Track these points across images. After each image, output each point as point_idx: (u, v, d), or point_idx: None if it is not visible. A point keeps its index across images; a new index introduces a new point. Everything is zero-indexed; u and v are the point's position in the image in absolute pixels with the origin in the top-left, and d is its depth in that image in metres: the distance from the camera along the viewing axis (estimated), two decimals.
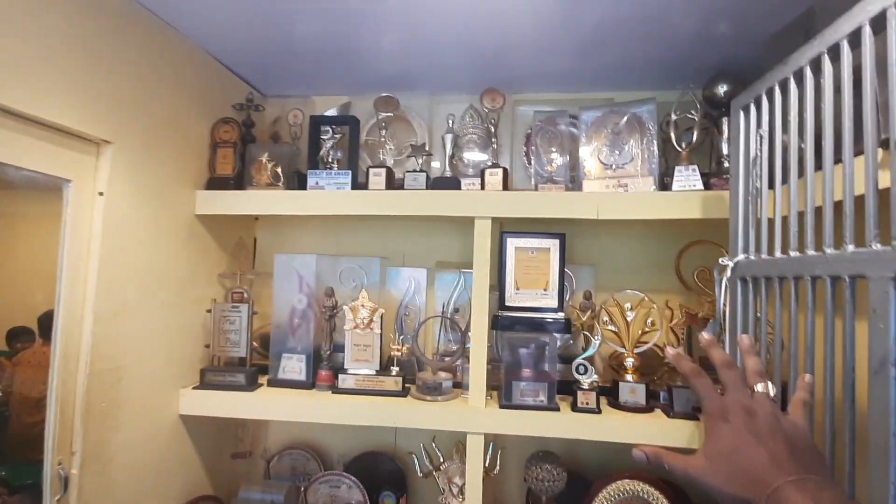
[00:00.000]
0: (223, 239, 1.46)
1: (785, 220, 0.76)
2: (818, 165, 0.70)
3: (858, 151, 0.61)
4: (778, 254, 0.77)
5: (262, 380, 1.35)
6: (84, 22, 0.98)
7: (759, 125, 0.85)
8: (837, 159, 0.65)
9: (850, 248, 0.60)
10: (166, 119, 1.22)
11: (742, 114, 0.91)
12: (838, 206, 0.64)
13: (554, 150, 1.39)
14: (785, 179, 0.77)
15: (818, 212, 0.68)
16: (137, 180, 1.14)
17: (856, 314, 0.59)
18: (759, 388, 0.55)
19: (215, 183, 1.35)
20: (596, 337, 1.25)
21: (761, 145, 0.83)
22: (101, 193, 1.06)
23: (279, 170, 1.35)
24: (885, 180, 0.57)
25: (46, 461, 1.01)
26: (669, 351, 0.64)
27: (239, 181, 1.36)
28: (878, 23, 0.59)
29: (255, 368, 1.33)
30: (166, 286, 1.24)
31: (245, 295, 1.34)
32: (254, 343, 1.38)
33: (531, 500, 1.32)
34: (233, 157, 1.35)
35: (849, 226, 0.61)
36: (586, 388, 1.19)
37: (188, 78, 1.29)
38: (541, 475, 1.24)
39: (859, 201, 0.59)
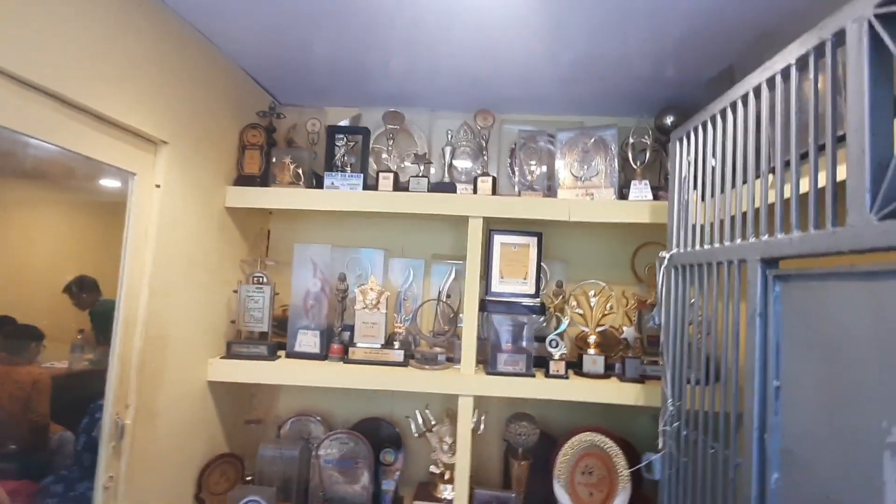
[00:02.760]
0: (245, 230, 1.65)
1: (703, 224, 1.05)
2: (727, 185, 0.98)
3: (758, 174, 0.89)
4: (697, 247, 1.05)
5: (280, 353, 1.55)
6: (147, 39, 1.18)
7: (688, 153, 1.14)
8: (746, 179, 0.94)
9: (738, 241, 0.89)
10: (207, 123, 1.42)
11: (678, 143, 1.20)
12: (740, 214, 0.92)
13: (534, 162, 1.66)
14: (703, 195, 1.06)
15: (724, 217, 0.97)
16: (185, 176, 1.33)
17: (742, 286, 0.88)
18: None
19: (243, 180, 1.54)
20: (565, 318, 1.52)
21: (689, 168, 1.12)
22: (158, 186, 1.25)
23: (300, 171, 1.56)
24: (770, 196, 0.84)
25: (106, 411, 1.19)
26: None
27: (264, 179, 1.56)
28: (770, 82, 0.87)
29: (274, 343, 1.53)
30: (202, 269, 1.43)
31: (266, 278, 1.54)
32: None
33: (509, 454, 1.57)
34: (259, 158, 1.56)
35: (738, 227, 0.90)
36: (557, 358, 1.45)
37: (223, 87, 1.49)
38: (518, 431, 1.49)
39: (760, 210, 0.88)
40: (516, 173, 1.68)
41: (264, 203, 1.52)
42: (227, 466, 1.53)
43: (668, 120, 1.55)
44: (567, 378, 1.44)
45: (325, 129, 1.66)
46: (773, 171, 0.86)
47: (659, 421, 1.17)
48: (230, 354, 1.49)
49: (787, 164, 0.80)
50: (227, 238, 1.55)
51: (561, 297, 1.57)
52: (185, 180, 1.33)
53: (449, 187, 1.57)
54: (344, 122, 1.73)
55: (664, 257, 1.17)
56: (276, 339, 1.57)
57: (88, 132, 1.05)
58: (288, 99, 1.80)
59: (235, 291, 1.53)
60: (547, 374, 1.45)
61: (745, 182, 0.90)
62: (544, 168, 1.66)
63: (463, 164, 1.71)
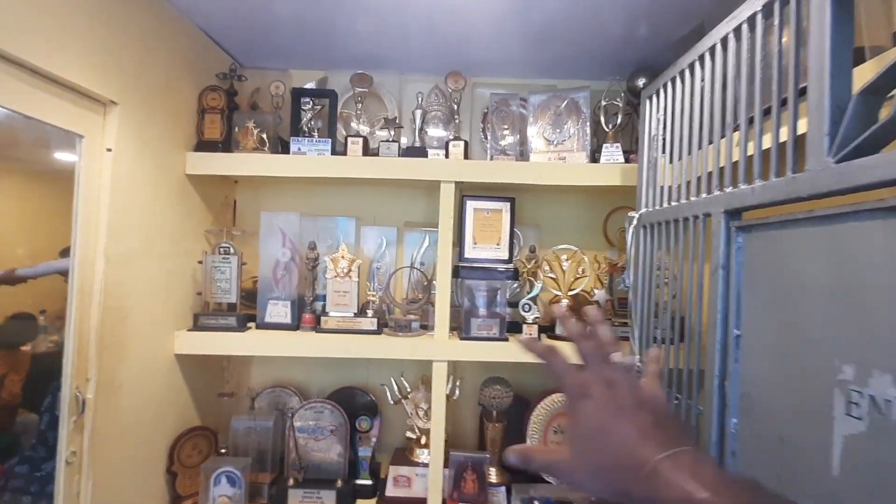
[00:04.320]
0: (208, 199, 1.59)
1: (671, 184, 1.05)
2: (695, 142, 0.98)
3: (727, 132, 0.89)
4: (665, 204, 1.06)
5: (251, 325, 1.52)
6: (118, 6, 1.09)
7: (657, 111, 1.13)
8: (715, 138, 0.94)
9: (704, 195, 0.89)
10: (161, 84, 1.34)
11: (648, 102, 1.19)
12: (706, 172, 0.92)
13: (506, 127, 1.63)
14: (671, 153, 1.06)
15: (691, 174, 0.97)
16: (139, 140, 1.26)
17: (706, 240, 0.88)
18: (617, 357, 0.51)
19: (204, 146, 1.47)
20: (538, 282, 1.52)
21: (659, 126, 1.11)
22: (109, 150, 1.18)
23: (264, 135, 1.50)
24: (735, 154, 0.84)
25: (65, 385, 1.15)
26: (556, 310, 0.65)
27: (226, 145, 1.49)
28: (737, 32, 0.86)
29: (244, 314, 1.50)
30: (162, 238, 1.37)
31: (232, 248, 1.49)
32: None
33: (484, 417, 1.59)
34: (220, 122, 1.48)
35: (703, 183, 0.90)
36: (530, 322, 1.46)
37: (178, 47, 1.40)
38: (492, 394, 1.51)
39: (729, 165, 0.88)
40: (489, 138, 1.65)
41: (227, 170, 1.46)
42: (200, 439, 1.51)
43: (640, 82, 1.54)
44: (540, 341, 1.45)
45: (290, 93, 1.59)
46: (737, 128, 0.86)
47: None
48: (197, 326, 1.45)
49: (751, 120, 0.80)
50: (189, 207, 1.49)
51: (534, 261, 1.57)
52: (140, 144, 1.26)
53: (420, 152, 1.53)
54: (309, 85, 1.66)
55: (633, 216, 1.18)
56: (245, 311, 1.54)
57: (26, 89, 0.98)
58: (250, 61, 1.71)
59: (200, 262, 1.48)
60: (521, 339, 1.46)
61: (710, 142, 0.90)
62: (517, 133, 1.63)
63: (434, 129, 1.67)
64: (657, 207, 1.10)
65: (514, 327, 1.51)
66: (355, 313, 1.51)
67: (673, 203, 1.02)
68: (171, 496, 1.44)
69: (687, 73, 1.00)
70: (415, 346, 1.44)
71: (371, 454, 1.57)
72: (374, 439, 1.58)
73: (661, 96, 1.12)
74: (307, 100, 1.57)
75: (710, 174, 0.89)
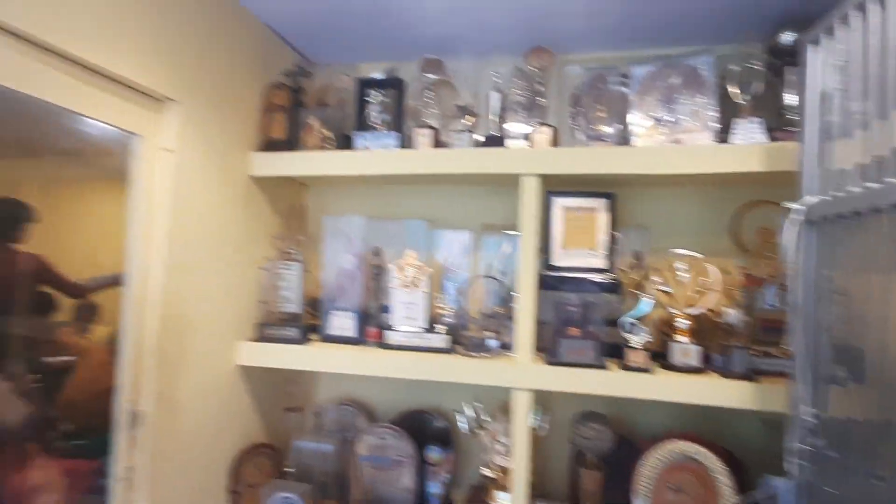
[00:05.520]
0: (276, 203, 1.51)
1: (861, 157, 0.71)
2: None
3: None
4: (853, 189, 0.72)
5: (314, 336, 1.40)
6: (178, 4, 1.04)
7: (834, 57, 0.79)
8: None
9: None
10: (223, 81, 1.27)
11: (811, 50, 0.85)
12: None
13: (602, 109, 1.35)
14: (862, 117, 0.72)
15: None
16: (201, 140, 1.20)
17: None
18: None
19: (269, 145, 1.40)
20: (647, 297, 1.22)
21: (836, 78, 0.78)
22: (168, 150, 1.12)
23: (329, 133, 1.38)
24: None
25: (119, 399, 1.09)
26: None
27: (291, 144, 1.40)
28: None
29: (307, 325, 1.38)
30: (225, 244, 1.31)
31: (295, 255, 1.39)
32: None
33: (577, 461, 1.31)
34: (285, 120, 1.40)
35: None
36: (636, 346, 1.16)
37: (242, 43, 1.34)
38: (588, 433, 1.23)
39: None
40: (580, 123, 1.38)
41: (290, 170, 1.37)
42: (263, 458, 1.41)
43: (787, 37, 1.18)
44: (649, 372, 1.14)
45: (355, 85, 1.47)
46: None
47: (785, 433, 0.86)
48: (260, 337, 1.37)
49: None
50: (254, 211, 1.42)
51: (640, 271, 1.27)
52: (202, 145, 1.20)
53: (497, 142, 1.31)
54: (376, 77, 1.52)
55: (797, 210, 0.84)
56: (310, 321, 1.43)
57: (76, 84, 0.93)
58: (318, 57, 1.62)
59: (264, 269, 1.40)
60: (623, 366, 1.17)
61: None
62: (615, 115, 1.34)
63: (514, 116, 1.44)
64: (837, 195, 0.77)
65: (612, 350, 1.22)
66: (424, 328, 1.32)
67: (869, 186, 0.69)
68: None
69: None
70: (492, 371, 1.21)
71: (443, 491, 1.37)
72: (446, 473, 1.38)
73: (834, 37, 0.79)
74: (373, 91, 1.43)
75: None
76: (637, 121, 1.28)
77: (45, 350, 1.94)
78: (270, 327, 1.37)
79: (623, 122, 1.33)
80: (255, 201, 1.42)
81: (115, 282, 2.16)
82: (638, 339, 1.17)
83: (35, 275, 2.08)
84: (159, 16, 1.06)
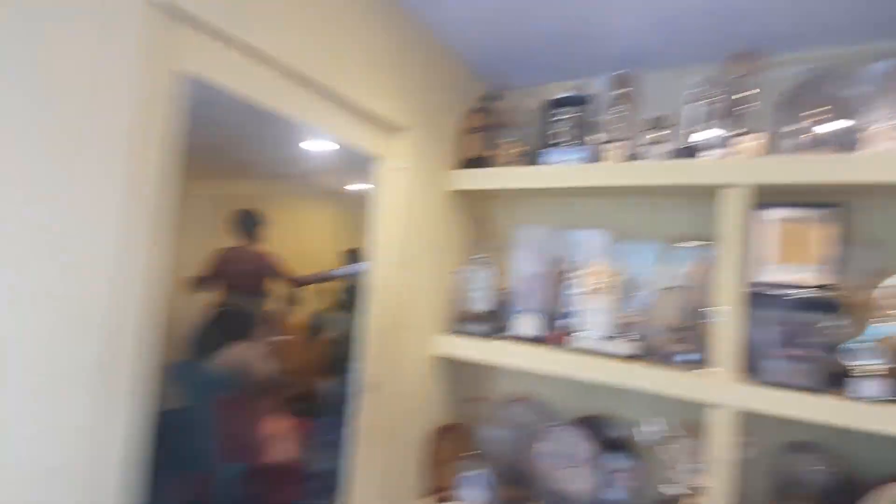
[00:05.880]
0: (470, 213, 1.69)
1: None
2: None
3: None
4: None
5: (500, 335, 1.54)
6: (388, 35, 1.28)
7: None
8: None
9: None
10: (435, 110, 1.49)
11: None
12: None
13: (817, 114, 1.24)
14: None
15: None
16: (420, 160, 1.42)
17: None
18: None
19: (467, 163, 1.58)
20: (880, 320, 1.08)
21: None
22: (400, 169, 1.36)
23: (519, 150, 1.52)
24: None
25: (358, 372, 1.35)
26: None
27: (485, 161, 1.57)
28: None
29: (495, 324, 1.52)
30: (431, 248, 1.52)
31: (488, 260, 1.54)
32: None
33: (783, 494, 1.21)
34: (481, 141, 1.57)
35: None
36: (866, 374, 1.05)
37: (447, 76, 1.55)
38: (798, 465, 1.14)
39: None
40: (791, 129, 1.28)
41: (483, 184, 1.53)
42: (454, 437, 1.59)
43: None
44: (887, 401, 1.02)
45: (542, 105, 1.58)
46: None
47: None
48: (452, 331, 1.55)
49: None
50: (452, 220, 1.62)
51: (869, 290, 1.13)
52: (420, 164, 1.43)
53: (690, 153, 1.30)
54: (564, 95, 1.61)
55: None
56: (495, 322, 1.56)
57: (345, 119, 1.21)
58: (507, 81, 1.77)
59: (458, 272, 1.58)
60: (849, 395, 1.06)
61: None
62: (835, 121, 1.22)
63: (711, 125, 1.40)
64: None
65: (833, 376, 1.11)
66: (607, 336, 1.36)
67: None
68: (423, 488, 1.55)
69: None
70: (688, 384, 1.20)
71: (625, 498, 1.38)
72: (627, 482, 1.39)
73: None
74: (560, 108, 1.53)
75: None
76: (871, 126, 1.15)
77: (272, 328, 2.42)
78: (462, 323, 1.54)
79: (847, 125, 1.21)
80: (454, 212, 1.62)
81: (325, 278, 2.60)
82: (869, 366, 1.05)
83: (268, 267, 2.62)
84: (398, 59, 1.31)
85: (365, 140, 1.28)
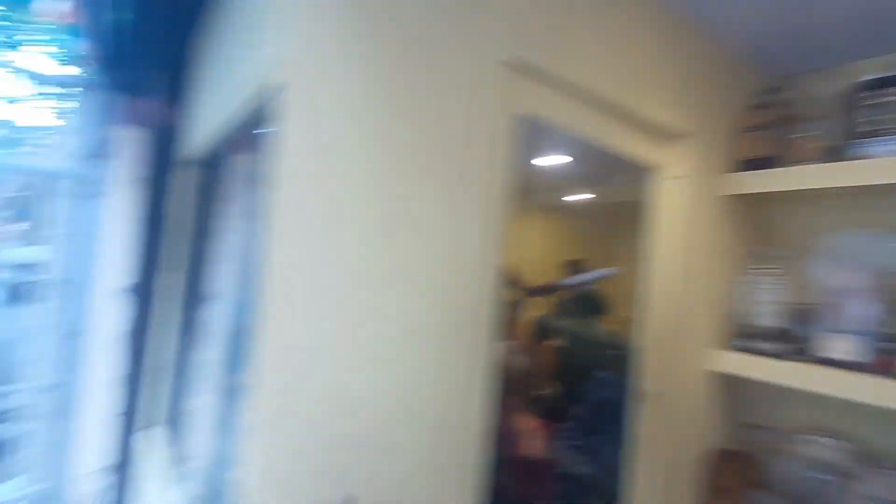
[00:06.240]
0: (750, 217, 1.55)
1: None
2: None
3: None
4: None
5: (796, 355, 1.36)
6: (666, 44, 1.29)
7: None
8: None
9: None
10: (713, 112, 1.43)
11: None
12: None
13: None
14: None
15: None
16: (698, 166, 1.38)
17: None
18: None
19: (748, 165, 1.46)
20: None
21: None
22: (675, 178, 1.35)
23: (819, 145, 1.34)
24: None
25: (634, 378, 1.36)
26: None
27: (771, 161, 1.42)
28: None
29: (789, 343, 1.36)
30: (710, 257, 1.45)
31: (777, 271, 1.39)
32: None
33: None
34: (764, 139, 1.44)
35: None
36: None
37: (722, 74, 1.46)
38: None
39: None
40: None
41: (774, 185, 1.39)
42: (738, 464, 1.46)
43: None
44: None
45: (845, 91, 1.36)
46: None
47: None
48: (735, 347, 1.43)
49: None
50: (730, 227, 1.51)
51: None
52: (696, 170, 1.38)
53: None
54: (871, 77, 1.37)
55: None
56: (788, 340, 1.39)
57: (629, 133, 1.25)
58: (791, 68, 1.58)
59: (740, 282, 1.46)
60: None
61: None
62: None
63: None
64: None
65: None
66: None
67: None
68: None
69: None
70: None
71: None
72: None
73: None
74: (871, 94, 1.29)
75: None
76: None
77: (510, 332, 2.57)
78: (746, 339, 1.41)
79: None
80: (731, 218, 1.51)
81: (556, 288, 2.64)
82: None
83: (510, 275, 2.82)
84: (676, 66, 1.30)
85: (643, 150, 1.30)
